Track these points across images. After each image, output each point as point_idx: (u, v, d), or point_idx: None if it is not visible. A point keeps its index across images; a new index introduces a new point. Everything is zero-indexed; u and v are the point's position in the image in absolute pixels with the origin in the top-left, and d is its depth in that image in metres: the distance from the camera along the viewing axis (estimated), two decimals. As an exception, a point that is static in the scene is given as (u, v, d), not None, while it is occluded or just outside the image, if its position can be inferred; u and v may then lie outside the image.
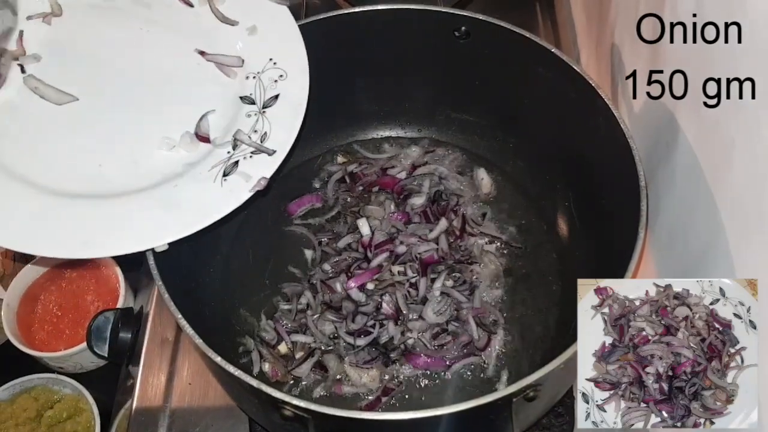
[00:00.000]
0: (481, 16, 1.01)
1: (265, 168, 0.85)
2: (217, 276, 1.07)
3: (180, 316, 0.78)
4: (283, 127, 0.89)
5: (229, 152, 0.87)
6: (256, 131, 0.89)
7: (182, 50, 0.95)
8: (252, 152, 0.87)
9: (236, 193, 0.83)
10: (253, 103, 0.92)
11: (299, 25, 1.00)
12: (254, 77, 0.93)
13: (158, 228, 0.80)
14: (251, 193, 0.84)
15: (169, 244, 0.80)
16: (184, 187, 0.84)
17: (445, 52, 1.07)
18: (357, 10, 1.05)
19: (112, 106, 0.90)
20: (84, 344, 1.07)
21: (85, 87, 0.90)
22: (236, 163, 0.86)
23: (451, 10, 1.03)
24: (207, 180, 0.84)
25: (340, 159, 1.21)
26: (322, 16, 1.04)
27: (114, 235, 0.80)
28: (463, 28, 1.03)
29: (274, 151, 0.87)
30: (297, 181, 1.18)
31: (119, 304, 1.21)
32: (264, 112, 0.90)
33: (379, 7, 1.05)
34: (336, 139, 1.23)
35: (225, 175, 0.85)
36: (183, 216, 0.81)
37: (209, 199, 0.82)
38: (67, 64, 0.92)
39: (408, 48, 1.09)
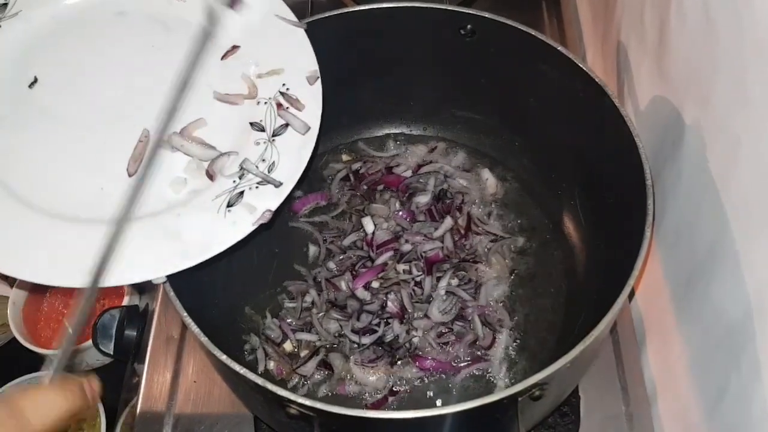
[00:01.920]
0: (487, 14, 1.01)
1: (270, 200, 0.82)
2: (222, 274, 1.07)
3: (185, 314, 0.78)
4: (292, 158, 0.85)
5: (234, 182, 0.83)
6: (263, 160, 0.85)
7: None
8: (258, 183, 0.83)
9: (240, 225, 0.80)
10: (262, 130, 0.87)
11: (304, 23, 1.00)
12: (266, 103, 0.89)
13: (158, 259, 0.77)
14: (255, 227, 0.80)
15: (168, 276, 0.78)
16: (186, 216, 0.80)
17: (450, 50, 1.07)
18: (362, 8, 1.05)
19: (115, 123, 0.86)
20: (90, 342, 1.07)
21: (89, 106, 0.87)
22: (241, 193, 0.82)
23: (457, 8, 1.03)
24: (210, 210, 0.81)
25: (344, 157, 1.21)
26: (327, 14, 1.04)
27: (114, 265, 0.75)
28: (468, 26, 1.03)
29: (281, 183, 0.83)
30: (302, 180, 1.18)
31: (125, 302, 1.21)
32: (273, 140, 0.86)
33: (385, 5, 1.04)
34: (341, 137, 1.22)
35: (229, 205, 0.81)
36: (184, 247, 0.78)
37: (212, 231, 0.79)
38: (72, 82, 0.89)
39: (413, 46, 1.09)
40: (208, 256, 0.78)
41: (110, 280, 0.75)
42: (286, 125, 0.88)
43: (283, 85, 0.90)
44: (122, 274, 0.76)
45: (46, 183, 0.81)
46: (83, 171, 0.83)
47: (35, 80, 0.89)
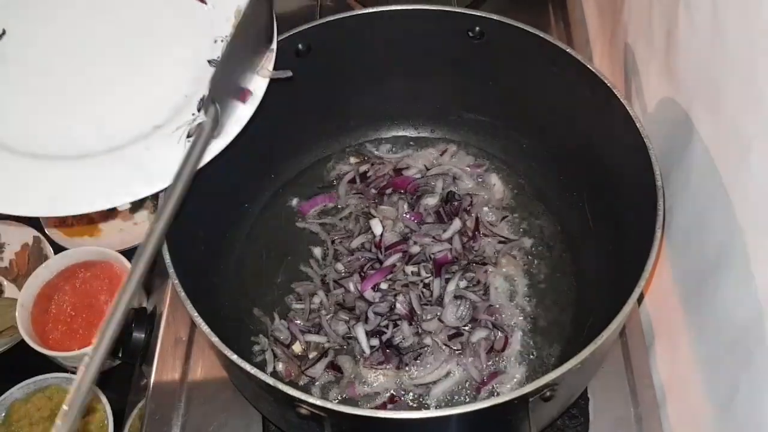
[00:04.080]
0: (495, 17, 1.01)
1: (228, 130, 0.88)
2: (231, 276, 1.08)
3: (196, 314, 0.78)
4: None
5: (194, 114, 0.89)
6: None
7: (152, 12, 0.97)
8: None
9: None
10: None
11: (312, 27, 1.01)
12: (222, 41, 0.94)
13: (123, 187, 0.83)
14: (214, 155, 0.86)
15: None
16: (149, 148, 0.86)
17: (458, 52, 1.07)
18: (370, 10, 1.05)
19: (81, 66, 0.93)
20: (98, 344, 1.07)
21: (55, 47, 0.94)
22: (200, 124, 0.86)
23: (465, 11, 1.03)
24: (171, 141, 0.86)
25: (352, 159, 1.21)
26: (335, 17, 1.04)
27: (80, 194, 0.82)
28: (477, 28, 1.03)
29: (238, 115, 0.88)
30: (309, 182, 1.19)
31: (133, 304, 1.21)
32: None
33: (392, 7, 1.05)
34: (348, 139, 1.23)
35: (189, 136, 0.87)
36: (146, 176, 0.83)
37: (173, 160, 0.84)
38: (40, 33, 0.95)
39: (421, 48, 1.09)
40: (169, 184, 0.82)
41: (76, 208, 0.81)
42: None
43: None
44: (87, 202, 0.82)
45: (14, 122, 0.88)
46: (51, 113, 0.90)
47: (3, 32, 0.95)
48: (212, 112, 0.82)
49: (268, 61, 0.93)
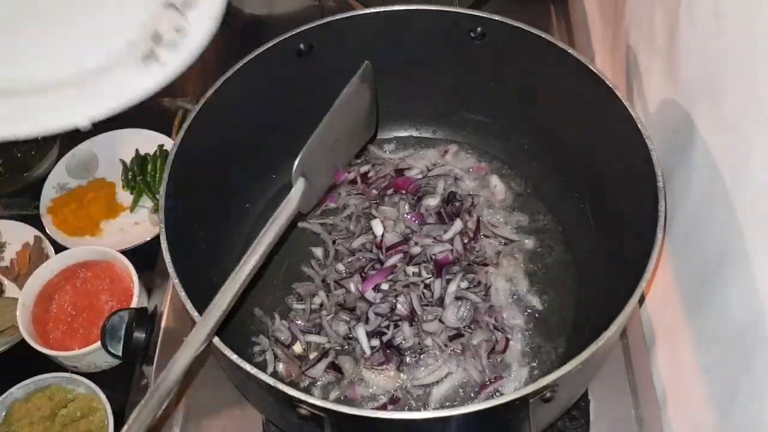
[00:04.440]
0: (497, 17, 1.01)
1: (182, 55, 0.94)
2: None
3: (196, 314, 0.78)
4: (202, 22, 0.96)
5: (149, 44, 0.95)
6: (176, 30, 0.96)
7: None
8: (170, 42, 0.95)
9: (155, 77, 0.92)
10: (173, 6, 0.98)
11: (314, 27, 1.01)
12: None
13: (83, 109, 0.89)
14: (169, 77, 0.92)
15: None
16: (107, 76, 0.92)
17: (460, 53, 1.07)
18: (371, 11, 1.06)
19: (42, 5, 0.98)
20: (98, 344, 1.07)
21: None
22: (156, 54, 0.94)
23: (467, 11, 1.03)
24: (128, 67, 0.93)
25: (354, 160, 1.21)
26: (336, 17, 1.04)
27: (34, 118, 0.88)
28: (479, 28, 1.03)
29: (191, 43, 0.94)
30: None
31: (133, 304, 1.21)
32: (183, 11, 0.97)
33: (394, 8, 1.05)
34: (350, 140, 1.22)
35: (146, 63, 0.93)
36: (105, 101, 0.90)
37: (129, 84, 0.91)
38: None
39: (423, 48, 1.09)
40: (129, 104, 0.90)
41: (30, 130, 0.88)
42: None
43: None
44: (52, 120, 0.89)
45: None
46: (7, 46, 0.96)
47: None
48: (301, 186, 0.83)
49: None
